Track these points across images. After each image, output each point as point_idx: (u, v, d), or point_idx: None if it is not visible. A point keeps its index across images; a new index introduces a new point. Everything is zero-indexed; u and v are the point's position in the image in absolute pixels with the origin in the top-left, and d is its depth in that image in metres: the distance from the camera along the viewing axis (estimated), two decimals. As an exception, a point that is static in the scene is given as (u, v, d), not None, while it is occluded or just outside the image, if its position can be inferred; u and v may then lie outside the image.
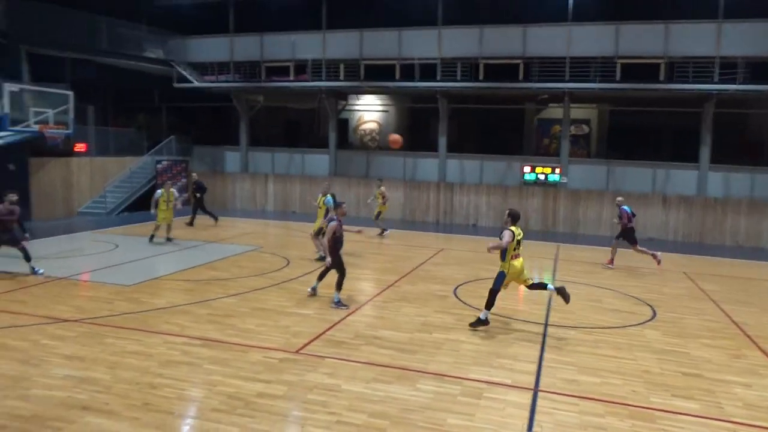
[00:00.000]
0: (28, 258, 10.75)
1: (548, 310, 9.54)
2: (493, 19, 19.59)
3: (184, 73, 22.51)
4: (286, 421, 5.42)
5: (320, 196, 13.32)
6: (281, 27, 22.15)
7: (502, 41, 19.33)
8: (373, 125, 26.02)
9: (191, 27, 23.16)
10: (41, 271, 10.79)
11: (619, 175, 19.61)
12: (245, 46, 22.20)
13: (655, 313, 9.61)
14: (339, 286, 9.41)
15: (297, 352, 7.18)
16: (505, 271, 8.27)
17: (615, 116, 22.12)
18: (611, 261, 13.61)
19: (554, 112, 22.13)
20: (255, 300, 9.58)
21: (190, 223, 17.52)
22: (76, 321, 8.16)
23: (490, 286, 8.38)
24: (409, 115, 25.79)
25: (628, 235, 13.20)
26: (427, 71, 19.94)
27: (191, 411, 5.60)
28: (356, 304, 9.59)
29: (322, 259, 12.38)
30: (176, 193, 15.58)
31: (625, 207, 13.29)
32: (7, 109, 14.97)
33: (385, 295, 10.29)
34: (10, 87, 15.07)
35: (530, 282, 8.52)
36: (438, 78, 19.76)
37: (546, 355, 7.39)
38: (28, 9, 18.52)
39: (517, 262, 8.29)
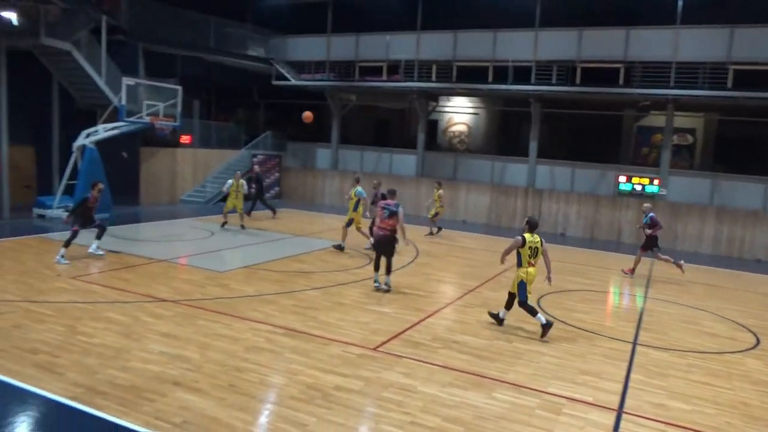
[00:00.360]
0: (99, 237, 11.57)
1: (638, 329, 9.07)
2: (592, 21, 18.86)
3: (283, 71, 23.37)
4: (361, 416, 5.51)
5: (352, 189, 13.86)
6: (377, 27, 22.48)
7: (602, 44, 18.55)
8: (462, 127, 25.83)
9: (291, 27, 24.05)
10: (101, 252, 11.49)
11: (725, 190, 18.25)
12: (341, 46, 22.73)
13: (758, 341, 8.88)
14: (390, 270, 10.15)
15: (375, 349, 7.28)
16: (524, 279, 8.30)
17: (724, 126, 20.63)
18: (632, 270, 13.32)
19: (655, 119, 20.97)
20: (337, 294, 9.81)
21: (248, 214, 17.48)
22: (172, 301, 8.72)
23: (519, 298, 8.32)
24: (500, 118, 25.38)
25: (651, 242, 13.18)
26: (520, 74, 19.52)
27: (272, 397, 5.83)
28: (436, 306, 9.58)
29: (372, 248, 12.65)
30: (245, 184, 16.57)
31: (653, 214, 13.32)
32: (124, 101, 16.23)
33: (466, 299, 10.20)
34: (127, 81, 16.30)
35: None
36: (532, 81, 19.28)
37: (633, 375, 7.03)
38: (147, 10, 19.97)
39: (533, 270, 8.35)
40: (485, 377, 6.60)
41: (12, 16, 14.58)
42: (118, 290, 9.16)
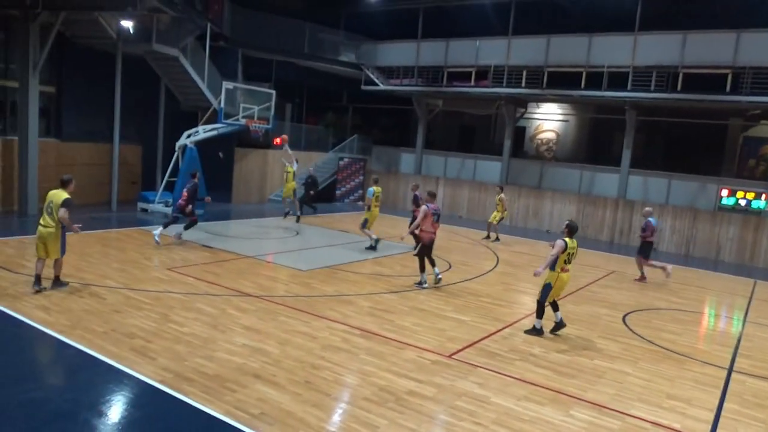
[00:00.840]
0: (167, 226, 12.61)
1: (735, 354, 8.43)
2: (698, 24, 17.74)
3: (372, 76, 23.77)
4: (432, 423, 5.50)
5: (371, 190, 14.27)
6: (467, 33, 22.37)
7: (708, 48, 17.37)
8: (551, 135, 25.12)
9: (382, 33, 24.44)
10: (158, 240, 12.29)
11: None
12: (430, 52, 22.79)
13: None
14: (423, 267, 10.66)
15: (450, 356, 7.24)
16: (552, 282, 8.29)
17: None
18: (642, 277, 13.17)
19: (766, 130, 19.41)
20: (414, 299, 9.84)
21: (301, 212, 17.98)
22: (256, 297, 9.11)
23: (539, 297, 8.47)
24: (591, 125, 24.43)
25: (645, 249, 13.04)
26: (615, 79, 18.69)
27: (345, 396, 5.95)
28: (515, 317, 9.38)
29: (372, 248, 13.74)
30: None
31: (652, 219, 13.02)
32: (222, 104, 17.17)
33: (546, 312, 9.89)
34: (226, 85, 17.23)
35: (557, 299, 8.66)
36: (628, 87, 18.41)
37: (727, 404, 6.55)
38: (247, 18, 21.03)
39: (566, 276, 8.35)
40: (563, 393, 6.39)
41: (129, 24, 15.85)
42: (208, 283, 9.68)
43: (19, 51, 14.41)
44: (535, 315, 8.56)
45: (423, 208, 10.64)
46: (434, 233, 10.60)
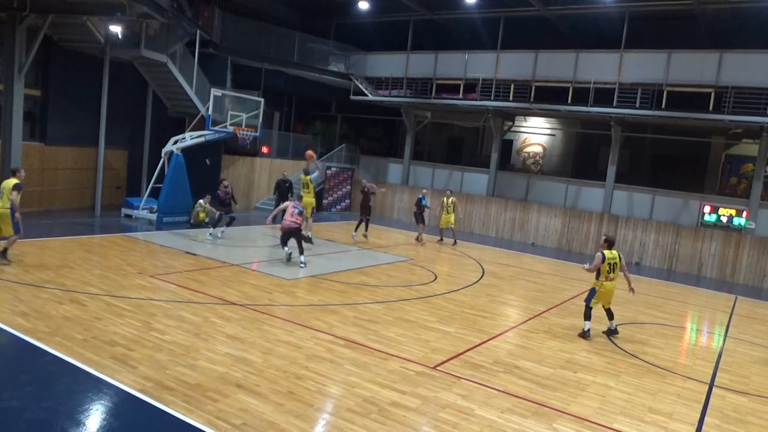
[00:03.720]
0: (215, 225, 14.82)
1: (716, 369, 8.51)
2: (682, 44, 18.08)
3: (361, 86, 23.85)
4: (415, 435, 5.48)
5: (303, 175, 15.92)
6: (456, 46, 22.57)
7: (693, 67, 17.69)
8: (537, 148, 25.35)
9: (372, 43, 24.57)
10: (210, 238, 14.41)
11: (825, 227, 16.86)
12: (420, 63, 22.94)
13: None
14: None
15: (434, 368, 7.22)
16: (597, 288, 9.20)
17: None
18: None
19: (748, 148, 19.74)
20: (400, 310, 9.83)
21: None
22: (241, 305, 9.04)
23: (586, 300, 9.38)
24: (577, 140, 24.70)
25: None
26: (602, 95, 18.94)
27: (328, 407, 5.90)
28: (499, 329, 9.40)
29: (309, 240, 14.76)
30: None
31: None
32: (210, 111, 17.10)
33: (531, 324, 9.94)
34: (215, 92, 17.17)
35: (608, 307, 9.45)
36: (614, 103, 18.66)
37: (708, 419, 6.60)
38: (237, 25, 21.02)
39: (610, 285, 9.17)
40: (546, 406, 6.40)
41: (118, 29, 15.77)
42: (191, 291, 9.59)
43: (5, 53, 14.25)
44: (583, 319, 9.33)
45: (288, 203, 12.88)
46: (295, 222, 12.29)
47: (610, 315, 9.48)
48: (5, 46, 14.23)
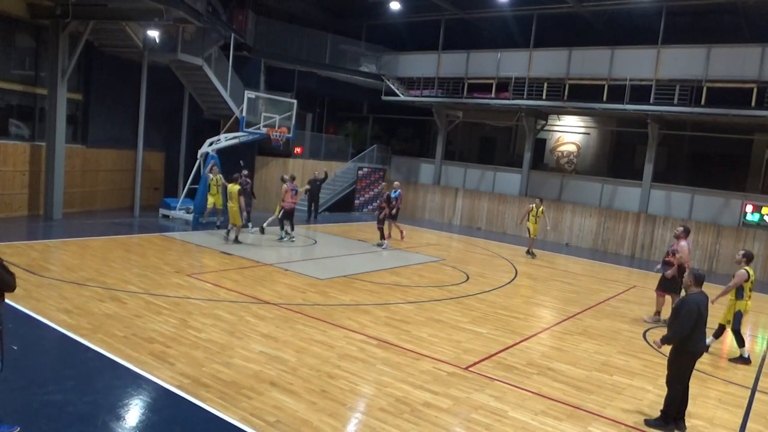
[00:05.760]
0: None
1: (759, 373, 8.25)
2: (723, 38, 17.54)
3: (392, 86, 23.88)
4: (447, 435, 5.47)
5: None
6: (488, 44, 22.39)
7: (734, 62, 17.13)
8: (571, 147, 24.95)
9: (403, 44, 24.57)
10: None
11: None
12: (451, 63, 22.83)
13: None
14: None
15: (466, 368, 7.19)
16: (742, 309, 8.58)
17: None
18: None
19: (794, 145, 19.07)
20: (431, 310, 9.81)
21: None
22: (274, 304, 9.16)
23: (733, 326, 8.67)
24: (613, 138, 24.23)
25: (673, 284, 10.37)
26: (638, 93, 18.52)
27: (361, 406, 5.94)
28: (533, 330, 9.30)
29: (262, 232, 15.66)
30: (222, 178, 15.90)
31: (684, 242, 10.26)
32: (245, 112, 17.38)
33: (565, 326, 9.80)
34: (249, 94, 17.44)
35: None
36: (651, 101, 18.23)
37: (750, 424, 6.41)
38: (270, 28, 21.30)
39: (750, 303, 8.66)
40: (581, 409, 6.31)
41: (155, 34, 16.17)
42: (227, 290, 9.77)
43: (49, 59, 14.77)
44: (737, 345, 8.75)
45: (284, 186, 14.78)
46: (293, 204, 14.77)
47: (719, 333, 8.90)
48: (49, 52, 14.75)
